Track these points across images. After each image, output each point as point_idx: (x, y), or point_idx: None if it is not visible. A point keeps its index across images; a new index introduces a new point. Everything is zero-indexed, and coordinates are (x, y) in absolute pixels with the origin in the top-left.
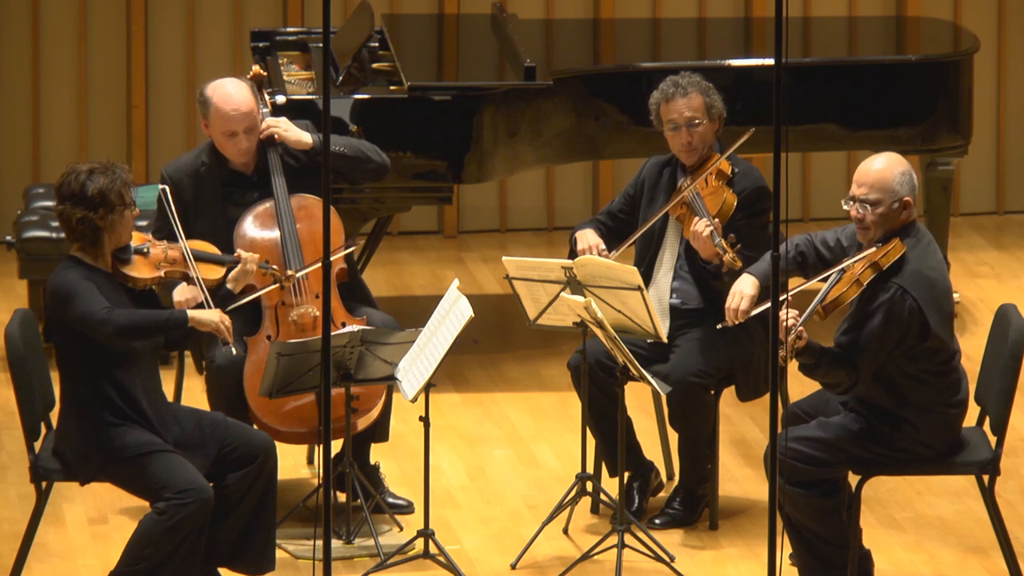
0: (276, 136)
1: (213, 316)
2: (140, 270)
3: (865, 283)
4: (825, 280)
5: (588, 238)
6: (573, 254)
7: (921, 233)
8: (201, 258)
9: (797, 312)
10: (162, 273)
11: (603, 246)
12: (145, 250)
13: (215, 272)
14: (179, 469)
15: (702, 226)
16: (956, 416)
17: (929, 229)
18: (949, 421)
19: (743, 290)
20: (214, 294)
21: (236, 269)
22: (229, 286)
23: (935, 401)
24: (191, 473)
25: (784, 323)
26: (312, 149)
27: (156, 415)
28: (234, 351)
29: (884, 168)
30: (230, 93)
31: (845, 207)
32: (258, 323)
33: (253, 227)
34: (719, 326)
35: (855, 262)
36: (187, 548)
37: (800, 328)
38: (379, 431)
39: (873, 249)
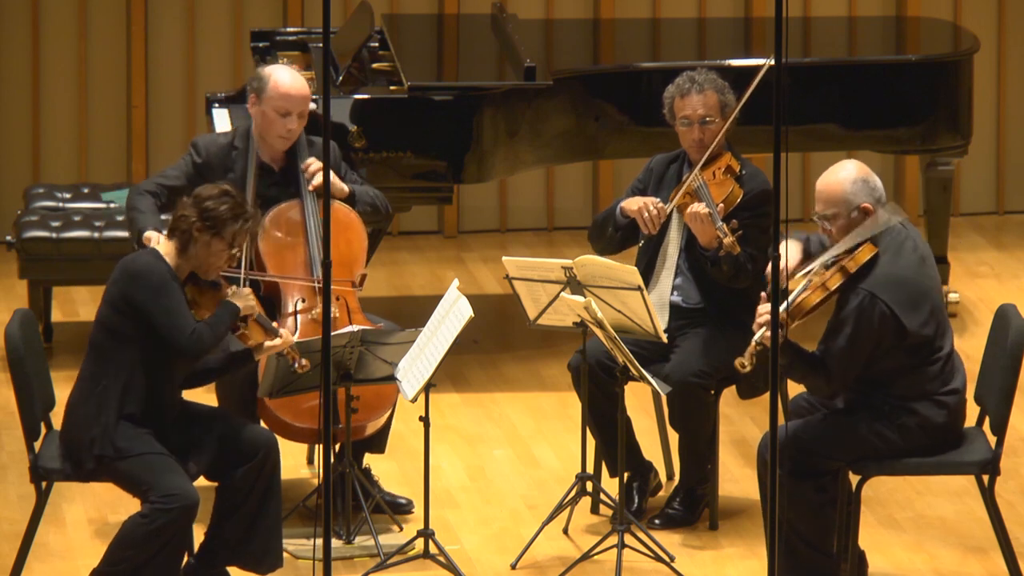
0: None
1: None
2: (205, 302)
3: (833, 288)
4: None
5: (636, 200)
6: (619, 227)
7: (895, 233)
8: (257, 320)
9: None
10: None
11: (657, 200)
12: (217, 285)
13: (260, 335)
14: (168, 473)
15: (702, 207)
16: (951, 405)
17: (929, 229)
18: (943, 409)
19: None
20: (249, 352)
21: (271, 343)
22: (256, 355)
23: (923, 389)
24: (179, 479)
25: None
26: (351, 196)
27: (169, 416)
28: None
29: (836, 181)
30: (291, 75)
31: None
32: (275, 319)
33: (278, 232)
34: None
35: (824, 267)
36: (168, 552)
37: (763, 334)
38: (376, 442)
39: (843, 250)
